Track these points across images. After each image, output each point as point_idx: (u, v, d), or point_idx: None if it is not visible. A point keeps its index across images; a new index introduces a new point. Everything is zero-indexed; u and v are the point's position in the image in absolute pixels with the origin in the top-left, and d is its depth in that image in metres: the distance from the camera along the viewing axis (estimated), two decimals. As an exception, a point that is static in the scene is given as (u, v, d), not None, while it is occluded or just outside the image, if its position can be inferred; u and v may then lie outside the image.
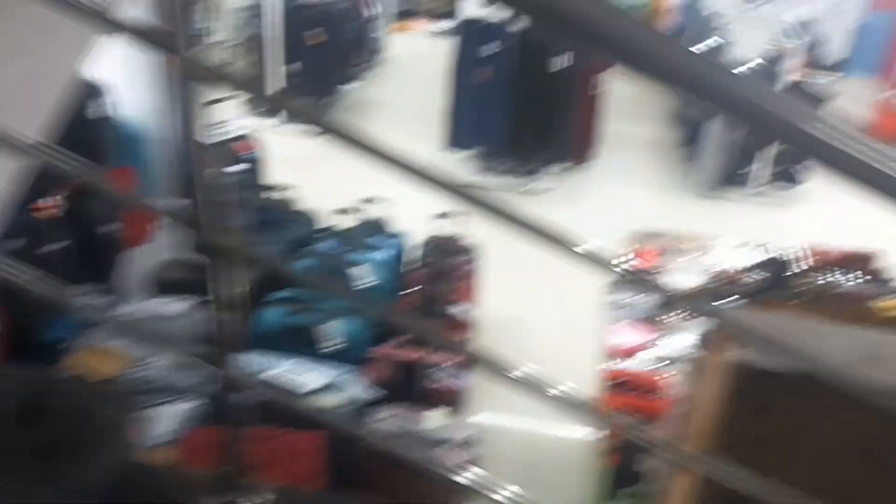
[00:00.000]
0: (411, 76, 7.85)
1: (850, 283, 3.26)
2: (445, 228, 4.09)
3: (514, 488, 1.01)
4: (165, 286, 3.49)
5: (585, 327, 3.97)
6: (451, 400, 3.23)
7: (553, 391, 0.92)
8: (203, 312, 3.25)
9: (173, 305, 3.18)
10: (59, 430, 0.97)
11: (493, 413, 3.87)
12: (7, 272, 0.95)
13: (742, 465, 1.02)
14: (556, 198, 6.00)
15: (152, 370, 2.92)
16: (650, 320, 3.06)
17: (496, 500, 1.01)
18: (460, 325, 3.72)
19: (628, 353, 2.88)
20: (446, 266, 3.88)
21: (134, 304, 3.25)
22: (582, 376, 3.87)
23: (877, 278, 3.35)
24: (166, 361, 2.95)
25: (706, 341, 1.56)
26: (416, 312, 3.62)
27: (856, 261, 3.41)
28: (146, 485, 0.98)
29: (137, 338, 3.01)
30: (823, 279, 3.26)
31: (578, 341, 3.96)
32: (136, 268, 3.93)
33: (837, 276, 3.27)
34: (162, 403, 2.81)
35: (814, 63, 6.25)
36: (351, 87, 7.21)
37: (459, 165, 6.15)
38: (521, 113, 5.72)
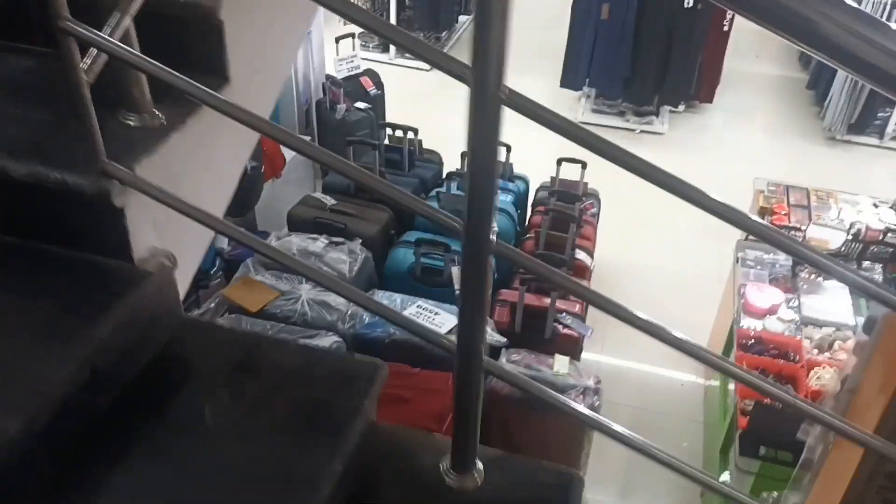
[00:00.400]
0: (526, 11, 7.69)
1: None
2: (567, 173, 4.10)
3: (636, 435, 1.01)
4: (299, 223, 3.64)
5: (710, 281, 3.96)
6: (573, 346, 3.30)
7: (683, 342, 0.90)
8: (338, 250, 3.41)
9: (315, 243, 3.34)
10: (305, 393, 1.09)
11: (610, 356, 3.95)
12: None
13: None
14: (672, 141, 5.86)
15: (297, 304, 3.09)
16: (785, 280, 3.02)
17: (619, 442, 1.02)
18: (580, 271, 3.75)
19: (761, 312, 2.86)
20: (567, 211, 3.90)
21: (277, 240, 3.43)
22: (701, 331, 3.90)
23: None
24: (309, 297, 3.11)
25: (881, 320, 1.57)
26: (534, 255, 3.68)
27: None
28: (388, 446, 1.09)
29: (285, 272, 3.17)
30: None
31: (701, 295, 3.96)
32: (268, 203, 4.12)
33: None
34: (305, 337, 2.98)
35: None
36: (466, 20, 7.15)
37: (574, 105, 6.08)
38: (643, 52, 5.56)
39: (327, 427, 1.03)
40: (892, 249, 3.08)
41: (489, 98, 0.76)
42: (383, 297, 3.24)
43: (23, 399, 0.86)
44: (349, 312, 3.11)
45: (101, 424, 0.97)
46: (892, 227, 3.10)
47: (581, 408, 1.13)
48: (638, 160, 0.74)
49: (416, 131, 4.20)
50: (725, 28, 5.62)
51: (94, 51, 0.94)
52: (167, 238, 1.11)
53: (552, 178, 4.13)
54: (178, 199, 1.02)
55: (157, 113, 1.09)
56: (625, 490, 3.46)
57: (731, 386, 3.04)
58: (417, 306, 3.14)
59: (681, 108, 6.06)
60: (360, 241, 3.45)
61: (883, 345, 1.50)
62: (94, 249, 1.05)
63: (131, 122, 1.07)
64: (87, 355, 0.94)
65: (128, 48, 0.95)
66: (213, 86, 1.17)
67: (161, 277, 1.06)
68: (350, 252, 3.39)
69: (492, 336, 3.11)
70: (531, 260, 0.90)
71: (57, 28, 0.87)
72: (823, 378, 2.52)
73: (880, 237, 3.10)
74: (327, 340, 3.00)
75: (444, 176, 4.15)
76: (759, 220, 0.83)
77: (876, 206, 3.27)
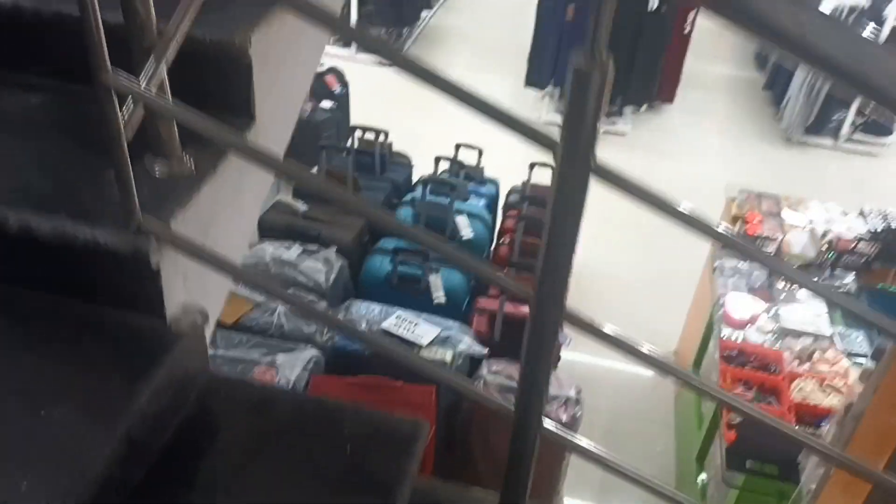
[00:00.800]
0: (490, 8, 7.63)
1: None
2: (539, 175, 4.08)
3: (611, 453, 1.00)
4: (271, 230, 3.55)
5: (680, 284, 4.00)
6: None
7: (659, 358, 0.88)
8: (313, 259, 3.34)
9: (289, 251, 3.26)
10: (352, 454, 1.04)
11: (585, 354, 3.96)
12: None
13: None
14: (635, 142, 5.90)
15: (273, 316, 3.01)
16: (762, 289, 3.06)
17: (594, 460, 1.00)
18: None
19: (741, 323, 2.89)
20: (541, 216, 3.88)
21: (249, 247, 3.33)
22: (671, 335, 3.94)
23: None
24: (286, 308, 3.04)
25: (890, 350, 1.59)
26: (510, 262, 3.66)
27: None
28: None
29: (259, 283, 3.08)
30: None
31: (672, 298, 4.00)
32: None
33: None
34: (284, 350, 2.91)
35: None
36: (428, 15, 7.06)
37: (538, 104, 6.07)
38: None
39: (375, 491, 0.98)
40: (864, 259, 3.16)
41: (578, 170, 0.73)
42: (360, 307, 3.18)
43: (69, 482, 0.80)
44: (327, 324, 3.05)
45: (136, 498, 0.91)
46: (863, 236, 3.17)
47: (611, 456, 1.11)
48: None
49: (386, 134, 4.14)
50: (687, 30, 5.68)
51: (130, 102, 0.87)
52: (193, 289, 1.05)
53: (524, 182, 4.11)
54: (214, 256, 0.96)
55: (185, 159, 1.02)
56: (601, 494, 3.48)
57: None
58: (396, 317, 3.09)
59: (643, 108, 6.11)
60: (336, 248, 3.38)
61: (893, 374, 1.52)
62: (124, 305, 0.98)
63: (160, 170, 1.00)
64: (127, 428, 0.87)
65: (168, 100, 0.89)
66: (240, 125, 1.11)
67: (194, 336, 1.00)
68: (325, 261, 3.32)
69: (471, 346, 3.08)
70: (603, 333, 0.87)
71: (99, 81, 0.81)
72: (805, 390, 2.57)
73: (852, 246, 3.17)
74: (306, 354, 2.93)
75: (414, 180, 4.11)
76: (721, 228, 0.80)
77: (845, 213, 3.34)
